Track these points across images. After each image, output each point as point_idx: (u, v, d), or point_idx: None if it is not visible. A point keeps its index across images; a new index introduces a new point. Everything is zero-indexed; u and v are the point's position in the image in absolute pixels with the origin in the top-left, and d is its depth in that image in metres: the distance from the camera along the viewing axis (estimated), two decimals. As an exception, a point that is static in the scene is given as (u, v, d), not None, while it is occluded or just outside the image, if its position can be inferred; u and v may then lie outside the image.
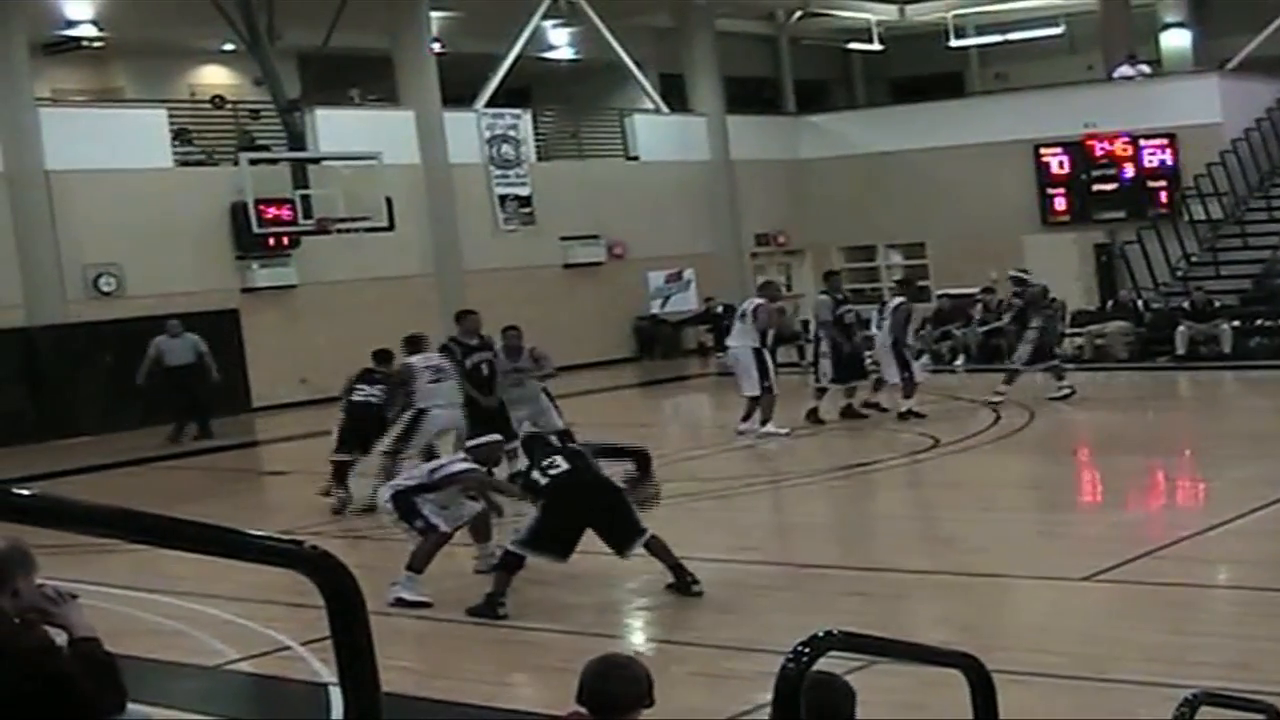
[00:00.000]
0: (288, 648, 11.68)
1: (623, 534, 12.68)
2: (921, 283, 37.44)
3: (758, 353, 22.17)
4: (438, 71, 34.52)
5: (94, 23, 33.14)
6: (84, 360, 28.04)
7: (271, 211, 29.29)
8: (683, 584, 12.66)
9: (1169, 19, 43.69)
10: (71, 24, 32.97)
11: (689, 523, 16.41)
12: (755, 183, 39.85)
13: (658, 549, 12.73)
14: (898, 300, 23.63)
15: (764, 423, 22.08)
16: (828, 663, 4.82)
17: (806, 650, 4.62)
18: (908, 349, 23.32)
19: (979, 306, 31.69)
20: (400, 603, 12.82)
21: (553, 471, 12.65)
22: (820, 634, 4.74)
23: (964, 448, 20.26)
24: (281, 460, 24.81)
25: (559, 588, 13.42)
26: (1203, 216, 33.90)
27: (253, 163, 29.63)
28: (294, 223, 29.32)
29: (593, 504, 12.66)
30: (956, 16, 44.57)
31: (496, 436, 14.47)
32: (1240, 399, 26.56)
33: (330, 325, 30.97)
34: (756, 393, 22.11)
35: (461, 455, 13.79)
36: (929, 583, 13.03)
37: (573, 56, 41.51)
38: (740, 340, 22.50)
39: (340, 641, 3.63)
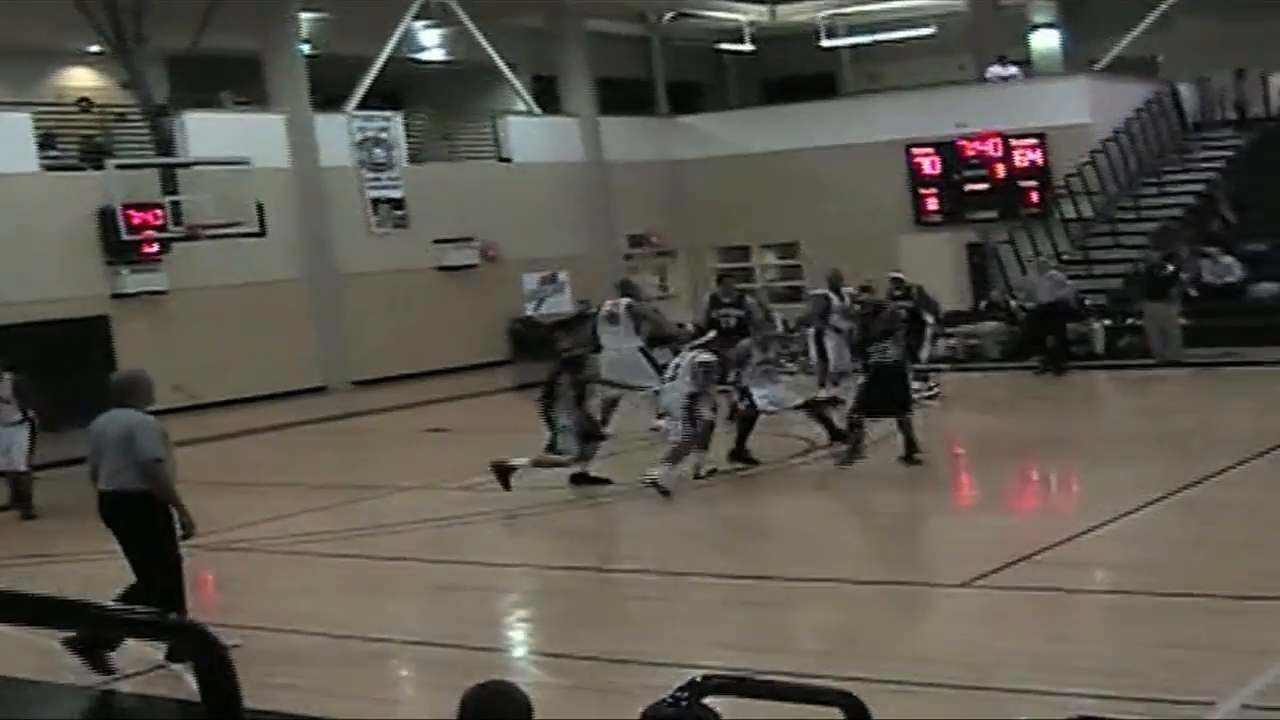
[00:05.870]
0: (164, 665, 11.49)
1: None
2: (795, 283, 37.75)
3: (644, 351, 22.16)
4: (308, 74, 34.22)
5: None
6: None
7: (140, 217, 28.91)
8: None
9: (1039, 20, 44.16)
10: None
11: (566, 532, 16.39)
12: (629, 184, 39.74)
13: None
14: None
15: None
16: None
17: (685, 695, 4.58)
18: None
19: (855, 307, 31.67)
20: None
21: None
22: (698, 679, 4.69)
23: (837, 451, 20.23)
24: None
25: (440, 600, 13.33)
26: (1074, 215, 34.28)
27: (120, 167, 29.23)
28: (163, 228, 28.95)
29: None
30: (827, 17, 44.72)
31: None
32: (1112, 399, 26.84)
33: (203, 331, 30.61)
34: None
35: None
36: (809, 591, 13.05)
37: (444, 58, 41.29)
38: (623, 342, 22.33)
39: (212, 713, 3.51)
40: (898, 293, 25.75)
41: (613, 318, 22.71)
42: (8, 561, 16.27)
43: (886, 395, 18.61)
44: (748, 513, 17.66)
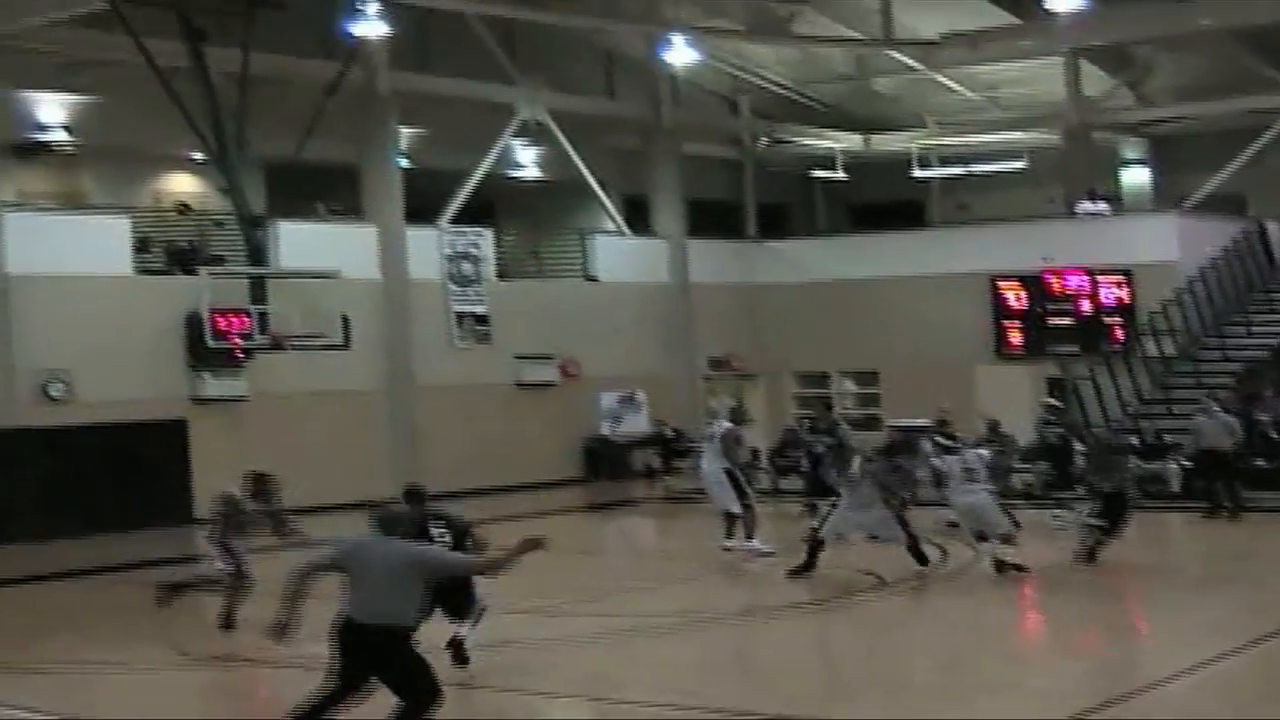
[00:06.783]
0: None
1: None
2: (873, 411, 37.79)
3: (729, 473, 23.44)
4: (403, 186, 34.72)
5: (66, 127, 33.26)
6: (26, 466, 27.89)
7: (226, 323, 29.32)
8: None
9: (1129, 155, 44.26)
10: (43, 127, 33.11)
11: (621, 660, 16.28)
12: (712, 306, 40.01)
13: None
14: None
15: (748, 537, 23.01)
16: None
17: None
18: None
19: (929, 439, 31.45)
20: None
21: None
22: None
23: (910, 587, 20.09)
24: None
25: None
26: (1156, 353, 34.09)
27: (212, 274, 29.69)
28: (249, 336, 29.35)
29: None
30: (920, 147, 44.94)
31: None
32: (1186, 541, 26.48)
33: (280, 438, 30.85)
34: (738, 510, 23.14)
35: None
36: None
37: (538, 176, 41.67)
38: (711, 462, 23.77)
39: None
40: (1050, 419, 27.65)
41: (710, 437, 24.23)
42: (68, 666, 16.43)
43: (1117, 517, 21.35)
44: (815, 644, 17.57)
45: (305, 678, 13.99)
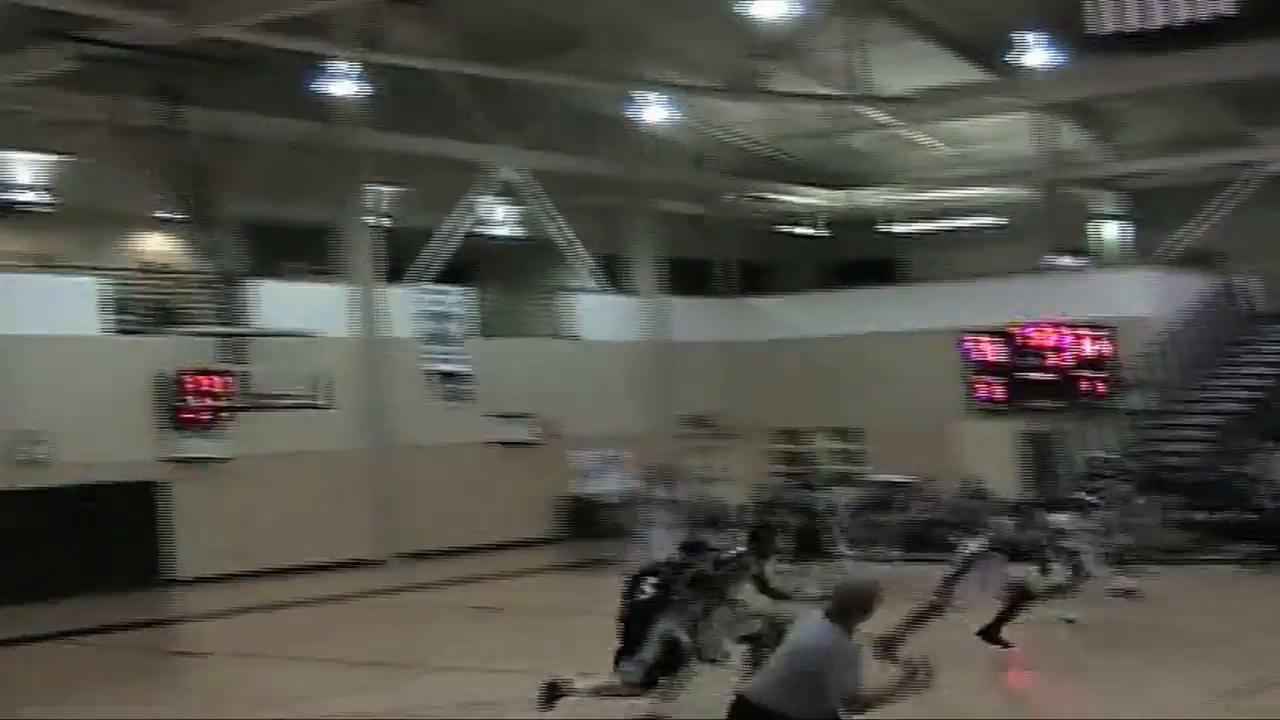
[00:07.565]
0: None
1: None
2: (855, 468, 37.75)
3: None
4: (386, 245, 34.75)
5: (43, 188, 33.21)
6: (-2, 529, 27.71)
7: (204, 383, 29.20)
8: None
9: (1106, 210, 44.33)
10: (18, 188, 33.04)
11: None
12: (692, 364, 39.97)
13: None
14: None
15: None
16: None
17: None
18: None
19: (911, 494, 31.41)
20: None
21: None
22: None
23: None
24: (201, 640, 24.39)
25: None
26: (1136, 408, 34.10)
27: (187, 335, 29.56)
28: (227, 396, 29.21)
29: None
30: (898, 203, 45.00)
31: None
32: (1185, 599, 25.96)
33: (261, 498, 30.78)
34: None
35: None
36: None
37: (515, 234, 41.66)
38: None
39: None
40: (1107, 471, 28.60)
41: None
42: None
43: None
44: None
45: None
